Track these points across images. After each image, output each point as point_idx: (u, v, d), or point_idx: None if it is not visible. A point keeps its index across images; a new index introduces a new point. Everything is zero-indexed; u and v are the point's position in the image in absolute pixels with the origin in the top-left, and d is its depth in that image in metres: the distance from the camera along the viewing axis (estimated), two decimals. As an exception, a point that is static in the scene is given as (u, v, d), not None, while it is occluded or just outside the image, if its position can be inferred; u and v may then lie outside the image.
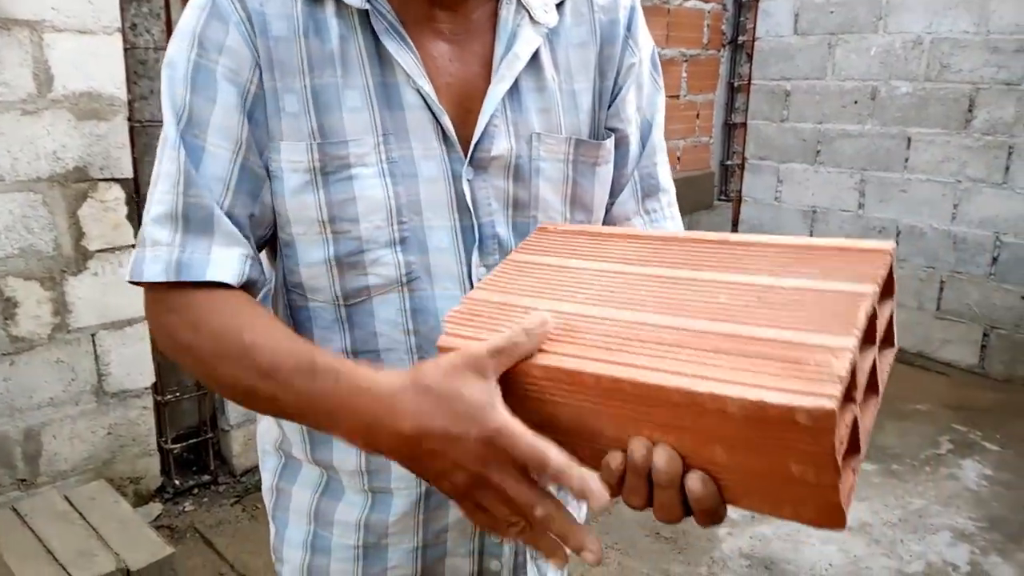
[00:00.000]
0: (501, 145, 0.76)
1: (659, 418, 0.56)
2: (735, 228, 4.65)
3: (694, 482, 0.55)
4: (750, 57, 4.45)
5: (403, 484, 0.83)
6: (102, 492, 2.24)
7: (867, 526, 2.55)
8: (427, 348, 0.77)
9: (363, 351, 0.78)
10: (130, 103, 2.31)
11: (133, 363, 2.43)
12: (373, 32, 0.73)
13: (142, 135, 2.40)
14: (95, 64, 2.21)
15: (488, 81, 0.76)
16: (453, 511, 0.84)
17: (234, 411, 2.68)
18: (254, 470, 2.75)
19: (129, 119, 2.30)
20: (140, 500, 2.48)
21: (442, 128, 0.74)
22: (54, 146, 2.17)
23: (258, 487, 2.68)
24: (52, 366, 2.27)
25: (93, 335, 2.33)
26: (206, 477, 2.66)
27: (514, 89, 0.77)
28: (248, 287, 0.74)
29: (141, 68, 2.41)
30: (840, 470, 0.52)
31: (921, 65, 3.78)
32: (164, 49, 2.38)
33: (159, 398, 2.52)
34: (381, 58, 0.73)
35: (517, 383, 0.59)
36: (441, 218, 0.76)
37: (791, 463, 0.53)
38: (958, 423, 3.24)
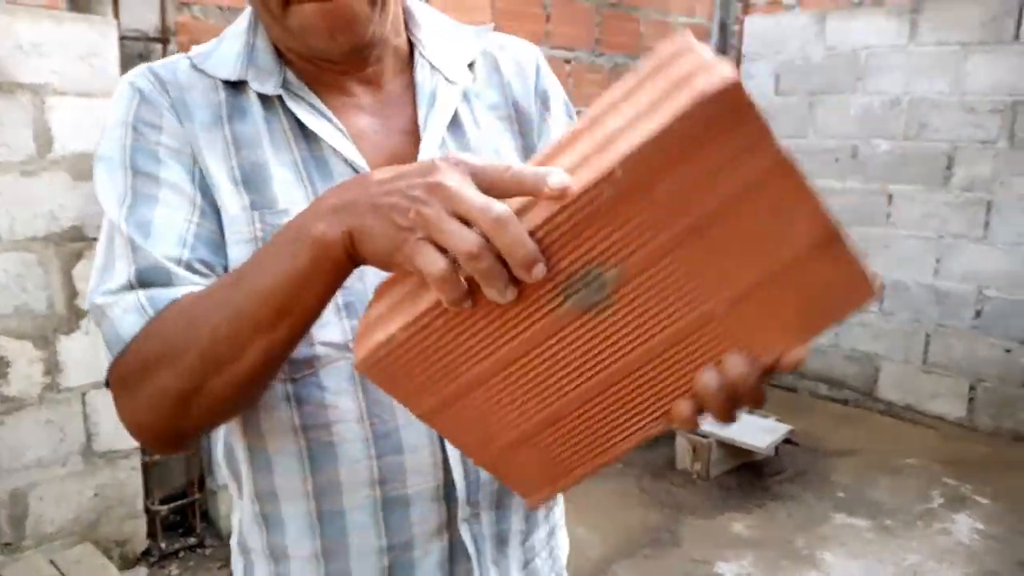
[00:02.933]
0: None
1: (558, 267, 0.51)
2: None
3: (732, 365, 0.54)
4: (734, 115, 4.56)
5: (364, 563, 0.77)
6: (89, 556, 2.20)
7: (862, 584, 2.54)
8: (377, 412, 0.74)
9: (312, 426, 0.74)
10: (128, 164, 2.34)
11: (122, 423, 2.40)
12: (296, 116, 0.75)
13: (139, 195, 2.42)
14: (95, 126, 2.24)
15: (417, 146, 0.77)
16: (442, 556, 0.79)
17: (222, 472, 2.64)
18: (243, 531, 2.70)
19: (126, 179, 2.33)
20: (126, 564, 2.43)
21: None
22: (51, 206, 2.20)
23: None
24: (41, 426, 2.25)
25: (83, 394, 2.32)
26: (192, 540, 2.62)
27: (442, 149, 0.78)
28: None
29: (139, 129, 2.45)
30: (799, 174, 0.49)
31: (900, 124, 3.89)
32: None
33: (147, 458, 2.50)
34: (306, 134, 0.75)
35: (408, 366, 0.56)
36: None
37: (741, 196, 0.49)
38: (949, 477, 3.25)
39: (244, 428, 0.78)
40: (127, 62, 2.35)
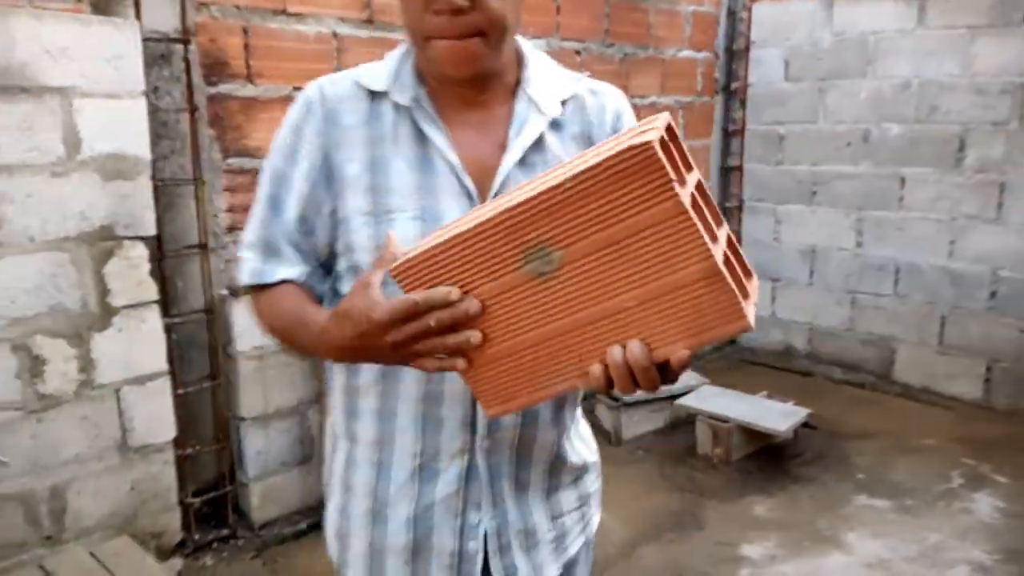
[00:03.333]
0: None
1: (524, 237, 0.77)
2: (736, 269, 4.73)
3: (632, 348, 0.77)
4: (743, 103, 4.58)
5: (403, 457, 1.03)
6: (127, 548, 2.24)
7: (886, 562, 2.56)
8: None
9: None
10: (153, 163, 2.38)
11: (155, 417, 2.45)
12: (417, 122, 1.00)
13: (164, 194, 2.46)
14: (121, 127, 2.28)
15: (501, 157, 1.01)
16: (440, 489, 1.03)
17: (252, 464, 2.69)
18: (273, 523, 2.75)
19: (152, 178, 2.37)
20: (162, 555, 2.48)
21: (465, 187, 0.99)
22: (82, 206, 2.24)
23: (278, 541, 2.69)
24: (78, 422, 2.30)
25: (117, 391, 2.36)
26: (225, 531, 2.67)
27: (524, 163, 1.01)
28: (306, 287, 1.05)
29: (163, 129, 2.49)
30: (694, 218, 0.71)
31: (910, 107, 3.91)
32: (184, 111, 2.48)
33: (180, 452, 2.54)
34: (422, 138, 1.00)
35: (412, 277, 0.83)
36: None
37: (649, 227, 0.73)
38: (967, 456, 3.27)
39: None
40: (149, 63, 2.39)
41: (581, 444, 1.16)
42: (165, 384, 2.46)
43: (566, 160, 0.94)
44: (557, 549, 1.12)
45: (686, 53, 4.29)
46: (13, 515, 2.22)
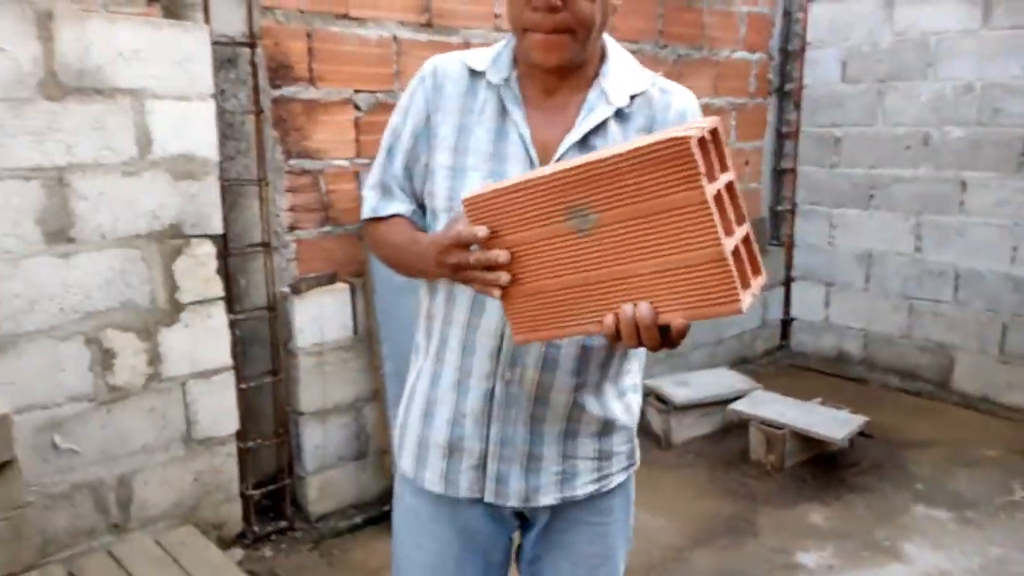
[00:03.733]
0: None
1: (570, 196, 0.95)
2: (788, 272, 4.66)
3: (641, 308, 0.94)
4: (797, 105, 4.52)
5: (449, 371, 1.24)
6: (192, 537, 2.30)
7: (947, 574, 2.51)
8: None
9: (459, 287, 1.23)
10: (220, 163, 2.44)
11: (219, 411, 2.52)
12: (503, 99, 1.20)
13: (230, 193, 2.53)
14: (190, 128, 2.35)
15: (564, 136, 1.18)
16: (470, 402, 1.22)
17: (310, 458, 2.75)
18: (329, 516, 2.80)
19: (219, 178, 2.44)
20: (223, 545, 2.54)
21: (530, 157, 1.18)
22: (152, 205, 2.31)
23: (334, 534, 2.73)
24: (145, 414, 2.37)
25: (183, 384, 2.43)
26: (283, 523, 2.72)
27: (585, 143, 1.17)
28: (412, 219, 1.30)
29: (229, 131, 2.55)
30: (713, 209, 0.85)
31: (973, 110, 3.81)
32: (251, 113, 2.54)
33: (241, 445, 2.61)
34: (504, 112, 1.20)
35: (478, 211, 1.02)
36: None
37: (674, 209, 0.88)
38: (1031, 469, 3.18)
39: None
40: (217, 66, 2.45)
41: (617, 404, 1.28)
42: (229, 378, 2.53)
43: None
44: (561, 483, 1.25)
45: (740, 54, 4.25)
46: (83, 503, 2.31)
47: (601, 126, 1.17)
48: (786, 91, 4.56)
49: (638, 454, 1.35)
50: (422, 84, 1.25)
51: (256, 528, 2.67)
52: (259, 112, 2.54)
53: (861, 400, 3.75)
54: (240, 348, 2.61)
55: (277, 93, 2.58)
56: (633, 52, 3.63)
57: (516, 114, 1.18)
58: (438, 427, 1.26)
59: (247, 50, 2.52)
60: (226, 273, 2.51)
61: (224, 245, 2.50)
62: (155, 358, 2.37)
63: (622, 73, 1.20)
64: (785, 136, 4.60)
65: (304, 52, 2.62)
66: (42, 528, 2.23)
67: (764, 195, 4.65)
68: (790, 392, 3.52)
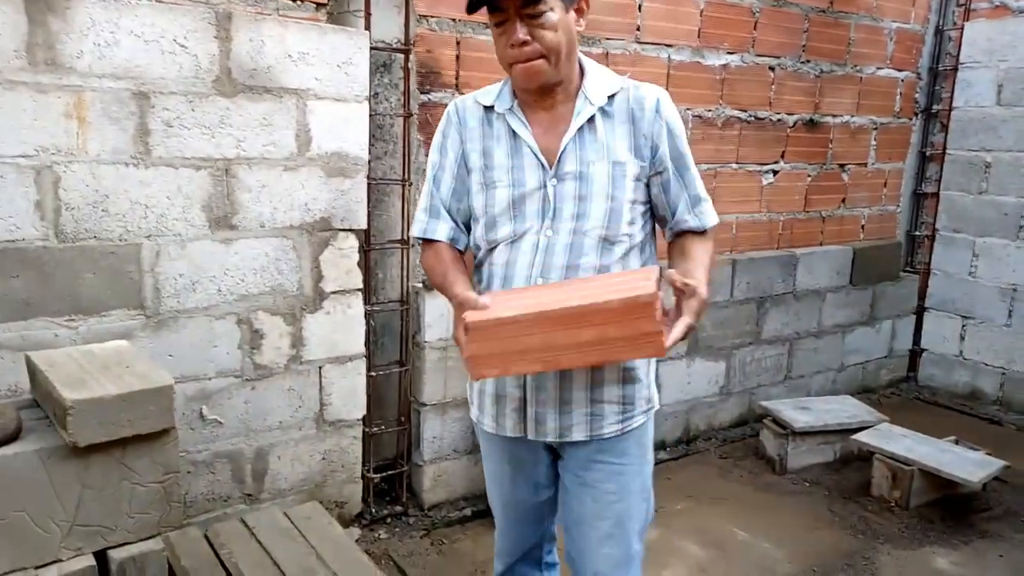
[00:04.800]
0: (569, 165, 1.52)
1: (547, 325, 1.34)
2: (921, 301, 4.44)
3: None
4: (944, 127, 4.29)
5: None
6: (317, 513, 2.43)
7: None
8: (514, 268, 1.54)
9: (498, 265, 1.57)
10: (368, 163, 2.57)
11: (350, 396, 2.66)
12: (510, 123, 1.55)
13: (375, 191, 2.66)
14: (345, 128, 2.49)
15: (562, 138, 1.52)
16: None
17: (428, 448, 2.85)
18: (442, 505, 2.90)
19: (367, 177, 2.57)
20: (343, 523, 2.68)
21: (540, 161, 1.52)
22: (306, 199, 2.46)
23: (445, 523, 2.82)
24: (284, 393, 2.53)
25: (320, 368, 2.58)
26: (398, 508, 2.84)
27: (579, 138, 1.51)
28: (453, 242, 1.62)
29: (379, 132, 2.68)
30: (661, 324, 1.30)
31: None
32: (401, 116, 2.65)
33: (367, 429, 2.74)
34: (514, 134, 1.54)
35: (493, 333, 1.37)
36: (534, 205, 1.53)
37: (641, 327, 1.31)
38: None
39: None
40: (372, 70, 2.58)
41: (641, 360, 1.56)
42: (361, 366, 2.66)
43: (612, 142, 1.51)
44: (590, 423, 1.55)
45: (886, 72, 4.08)
46: (223, 471, 2.49)
47: (590, 121, 1.51)
48: (933, 112, 4.34)
49: (656, 401, 1.64)
50: (450, 122, 1.61)
51: (374, 510, 2.80)
52: (408, 115, 2.65)
53: (994, 442, 3.52)
54: (373, 338, 2.74)
55: (425, 98, 2.69)
56: (772, 67, 3.59)
57: (523, 132, 1.53)
58: (488, 382, 1.62)
59: (401, 56, 2.64)
60: (366, 266, 2.64)
61: (366, 240, 2.63)
62: (297, 341, 2.53)
63: (599, 81, 1.54)
64: (929, 159, 4.38)
65: (453, 59, 2.72)
66: (184, 492, 2.42)
67: (901, 219, 4.44)
68: (914, 427, 3.34)
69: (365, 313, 2.65)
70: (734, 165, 3.57)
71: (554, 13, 1.42)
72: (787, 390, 3.89)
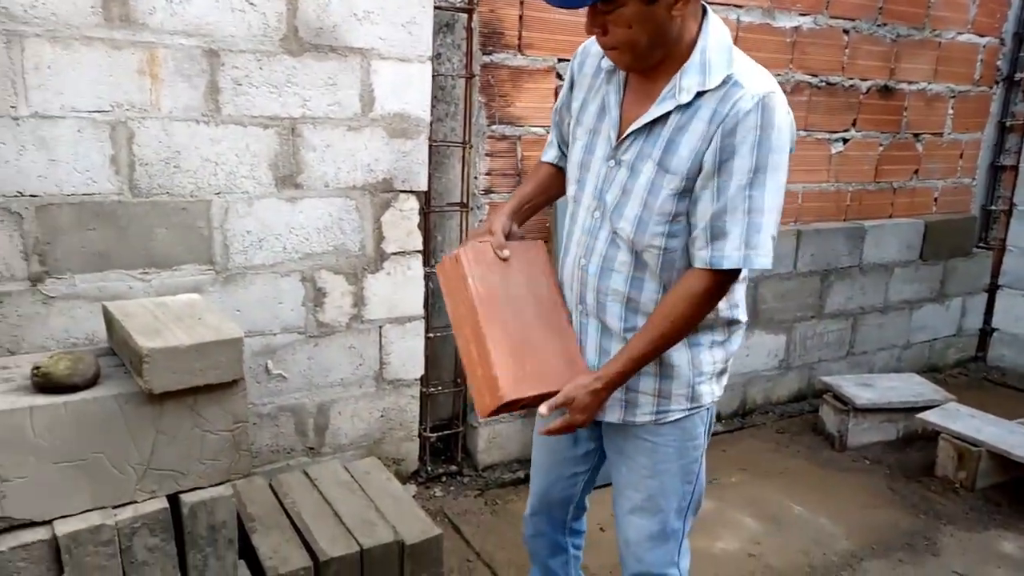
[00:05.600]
0: (629, 153, 1.43)
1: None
2: (994, 279, 4.26)
3: None
4: (1029, 95, 4.07)
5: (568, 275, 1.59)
6: (375, 468, 2.49)
7: None
8: (571, 235, 1.57)
9: (568, 216, 1.59)
10: (429, 124, 2.57)
11: (409, 356, 2.69)
12: (609, 84, 1.48)
13: (436, 153, 2.66)
14: (408, 89, 2.48)
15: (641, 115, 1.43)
16: (567, 271, 1.57)
17: (483, 411, 2.87)
18: (496, 467, 2.93)
19: (428, 139, 2.57)
20: (400, 480, 2.73)
21: (610, 137, 1.46)
22: (368, 159, 2.47)
23: (498, 484, 2.85)
24: (346, 351, 2.58)
25: (380, 327, 2.62)
26: (453, 467, 2.88)
27: (648, 129, 1.40)
28: (559, 163, 1.68)
29: (440, 93, 2.67)
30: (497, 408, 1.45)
31: None
32: (462, 77, 2.63)
33: (424, 389, 2.77)
34: (608, 96, 1.47)
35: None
36: (593, 179, 1.49)
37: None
38: None
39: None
40: (435, 30, 2.56)
41: (681, 354, 1.48)
42: (419, 327, 2.69)
43: (676, 143, 1.36)
44: (624, 408, 1.53)
45: (967, 37, 3.88)
46: (286, 424, 2.55)
47: (664, 116, 1.37)
48: (1016, 80, 4.12)
49: (707, 399, 1.53)
50: (573, 60, 1.59)
51: (429, 468, 2.85)
52: (470, 77, 2.64)
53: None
54: (431, 300, 2.76)
55: (487, 59, 2.67)
56: (847, 30, 3.45)
57: (612, 100, 1.46)
58: None
59: (464, 15, 2.61)
60: (426, 228, 2.66)
61: (426, 202, 2.64)
62: (359, 301, 2.56)
63: (704, 67, 1.34)
64: (1008, 130, 4.17)
65: (516, 19, 2.68)
66: (250, 443, 2.49)
67: (976, 193, 4.25)
68: (982, 407, 3.23)
69: (424, 275, 2.67)
70: (802, 132, 3.45)
71: (628, 7, 1.27)
72: (849, 366, 3.79)
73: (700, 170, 1.33)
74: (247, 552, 2.00)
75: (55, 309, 2.11)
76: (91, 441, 1.65)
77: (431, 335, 2.75)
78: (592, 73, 1.51)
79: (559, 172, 1.67)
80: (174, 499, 1.76)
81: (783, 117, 1.31)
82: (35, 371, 1.63)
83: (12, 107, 1.95)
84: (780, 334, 3.56)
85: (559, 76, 2.79)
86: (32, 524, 1.62)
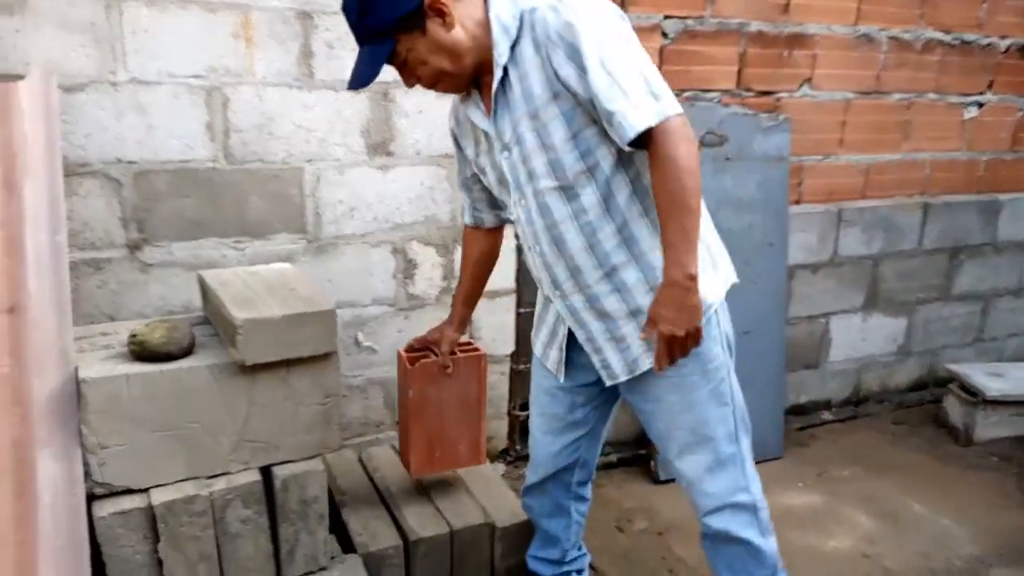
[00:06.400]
0: (507, 134, 1.47)
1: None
2: None
3: None
4: None
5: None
6: (466, 446, 2.42)
7: None
8: (523, 241, 1.63)
9: None
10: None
11: (498, 331, 2.60)
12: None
13: (532, 119, 2.53)
14: (504, 51, 2.36)
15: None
16: (532, 269, 1.65)
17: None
18: (588, 450, 2.82)
19: (524, 103, 2.44)
20: (488, 458, 2.66)
21: (489, 140, 1.54)
22: (462, 125, 2.37)
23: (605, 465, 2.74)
24: (436, 324, 2.50)
25: (471, 301, 2.53)
26: (544, 448, 2.78)
27: (502, 102, 1.45)
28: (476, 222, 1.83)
29: (537, 55, 2.54)
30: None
31: None
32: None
33: (514, 366, 2.68)
34: (473, 117, 1.55)
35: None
36: (502, 183, 1.57)
37: None
38: None
39: None
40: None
41: (637, 295, 1.50)
42: (510, 302, 2.59)
43: (528, 87, 1.40)
44: (626, 361, 1.55)
45: None
46: (376, 397, 2.51)
47: (503, 81, 1.41)
48: None
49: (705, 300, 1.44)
50: (449, 124, 1.74)
51: (518, 447, 2.76)
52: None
53: None
54: (522, 273, 2.65)
55: (588, 18, 2.51)
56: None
57: (476, 115, 1.52)
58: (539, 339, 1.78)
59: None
60: (520, 198, 2.54)
61: (521, 170, 2.52)
62: (449, 273, 2.48)
63: (504, 28, 1.39)
64: None
65: (619, -26, 2.51)
66: (341, 416, 2.46)
67: None
68: None
69: (516, 247, 2.56)
70: (932, 95, 3.14)
71: (413, 50, 1.38)
72: (976, 353, 3.48)
73: (565, 87, 1.35)
74: (337, 526, 1.97)
75: (152, 277, 2.11)
76: (186, 410, 1.63)
77: (521, 310, 2.65)
78: (462, 121, 1.62)
79: (479, 235, 1.82)
80: (266, 472, 1.73)
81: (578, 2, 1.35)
82: (132, 339, 1.62)
83: (111, 72, 1.95)
84: (900, 316, 3.29)
85: (664, 35, 2.61)
86: (129, 491, 1.62)
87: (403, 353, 1.96)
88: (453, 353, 1.93)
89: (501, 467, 2.70)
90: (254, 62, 2.08)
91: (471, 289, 1.90)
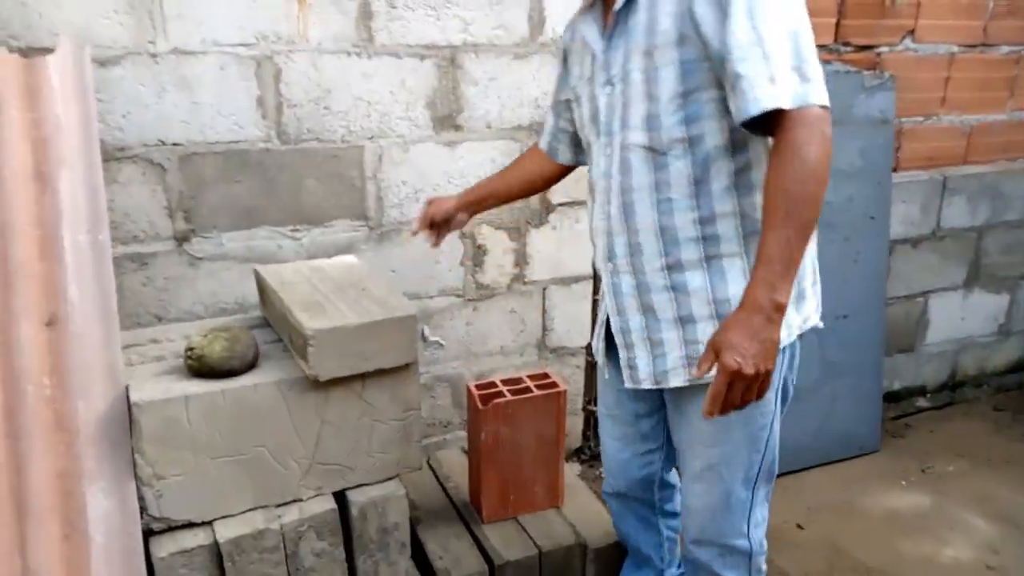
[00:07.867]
0: (615, 67, 1.29)
1: None
2: None
3: None
4: None
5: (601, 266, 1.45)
6: (543, 448, 2.22)
7: None
8: (592, 194, 1.45)
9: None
10: (604, 50, 2.17)
11: (574, 321, 2.37)
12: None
13: (610, 84, 2.27)
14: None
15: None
16: (594, 231, 1.43)
17: (655, 381, 2.53)
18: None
19: (602, 67, 2.18)
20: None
21: (593, 68, 1.35)
22: (536, 93, 2.12)
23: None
24: (506, 316, 2.28)
25: (544, 289, 2.30)
26: (620, 444, 2.57)
27: (622, 28, 1.26)
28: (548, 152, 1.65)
29: (616, 12, 2.26)
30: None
31: None
32: None
33: (589, 359, 2.45)
34: (587, 35, 1.37)
35: None
36: (593, 120, 1.38)
37: None
38: None
39: None
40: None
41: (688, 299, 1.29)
42: (586, 289, 2.36)
43: (654, 20, 1.19)
44: (688, 365, 1.31)
45: None
46: (443, 395, 2.30)
47: (629, 5, 1.23)
48: None
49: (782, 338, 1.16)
50: (564, 37, 1.51)
51: (592, 444, 2.55)
52: (655, -11, 2.21)
53: None
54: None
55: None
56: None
57: (589, 34, 1.35)
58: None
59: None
60: (598, 174, 2.29)
61: (599, 142, 2.26)
62: (521, 259, 2.25)
63: None
64: None
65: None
66: (422, 433, 2.26)
67: None
68: None
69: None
70: (1044, 47, 2.82)
71: None
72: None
73: (696, 30, 1.14)
74: (413, 546, 1.77)
75: (202, 271, 1.90)
76: (252, 433, 1.42)
77: (597, 298, 2.41)
78: (576, 36, 1.40)
79: (544, 160, 1.63)
80: (340, 498, 1.53)
81: None
82: (189, 353, 1.40)
83: (150, 42, 1.71)
84: (1003, 293, 3.00)
85: None
86: (191, 525, 1.43)
87: (473, 390, 1.79)
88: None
89: (576, 467, 2.49)
90: (308, 26, 1.84)
91: (496, 190, 1.70)
